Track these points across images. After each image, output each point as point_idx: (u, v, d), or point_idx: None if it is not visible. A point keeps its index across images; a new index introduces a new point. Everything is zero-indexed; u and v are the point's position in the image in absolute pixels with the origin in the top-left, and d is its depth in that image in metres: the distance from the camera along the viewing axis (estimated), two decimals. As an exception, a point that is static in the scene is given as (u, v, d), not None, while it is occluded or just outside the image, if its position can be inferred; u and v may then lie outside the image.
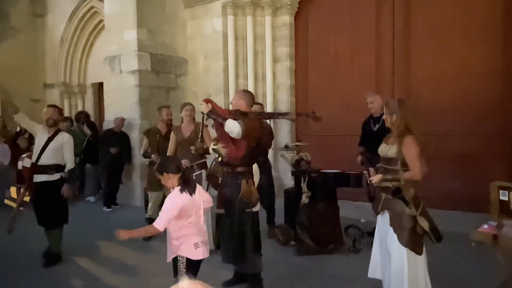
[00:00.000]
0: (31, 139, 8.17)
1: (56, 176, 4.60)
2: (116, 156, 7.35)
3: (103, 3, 8.32)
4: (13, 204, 8.09)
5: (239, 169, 3.68)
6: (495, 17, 6.11)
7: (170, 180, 2.98)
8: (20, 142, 8.01)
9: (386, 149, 3.20)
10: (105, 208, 7.44)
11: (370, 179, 3.25)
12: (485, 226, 3.48)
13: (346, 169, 5.06)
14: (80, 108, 10.37)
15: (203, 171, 4.98)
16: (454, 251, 4.54)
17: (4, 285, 4.19)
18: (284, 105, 7.91)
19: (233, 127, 3.47)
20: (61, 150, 4.63)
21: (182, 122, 5.18)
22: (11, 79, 9.91)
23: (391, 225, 3.14)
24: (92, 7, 9.75)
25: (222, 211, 3.75)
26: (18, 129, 8.61)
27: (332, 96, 7.57)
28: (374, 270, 3.45)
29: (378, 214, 3.29)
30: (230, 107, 4.03)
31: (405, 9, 6.83)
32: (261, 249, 3.84)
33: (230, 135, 3.53)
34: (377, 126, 4.95)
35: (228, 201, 3.69)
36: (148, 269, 4.42)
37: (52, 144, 4.58)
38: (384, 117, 3.35)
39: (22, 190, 4.81)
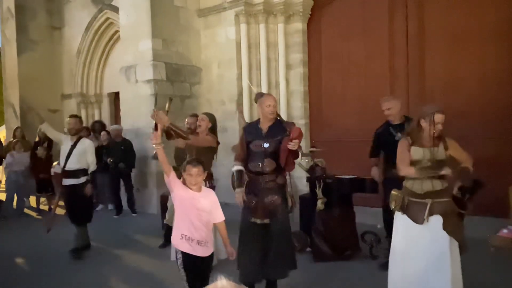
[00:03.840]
0: (50, 149, 8.35)
1: (82, 180, 5.10)
2: (112, 165, 7.59)
3: (119, 14, 8.48)
4: (33, 213, 8.26)
5: (281, 177, 3.71)
6: (508, 19, 6.04)
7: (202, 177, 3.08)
8: (39, 151, 8.17)
9: (433, 152, 3.15)
10: (115, 216, 7.64)
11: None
12: (505, 230, 3.44)
13: (361, 174, 5.03)
14: (97, 118, 10.53)
15: None
16: (473, 256, 4.46)
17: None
18: (298, 111, 7.92)
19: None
20: (84, 155, 5.11)
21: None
22: (30, 90, 10.22)
23: (445, 228, 3.06)
24: (107, 19, 9.92)
25: (267, 220, 3.62)
26: (36, 139, 8.79)
27: (346, 102, 7.55)
28: None
29: (423, 222, 3.09)
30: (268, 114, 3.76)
31: (418, 13, 6.80)
32: None
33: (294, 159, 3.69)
34: (399, 135, 4.16)
35: (278, 208, 3.63)
36: (164, 277, 4.44)
37: (75, 151, 5.06)
38: (435, 125, 3.17)
39: (57, 195, 5.47)
